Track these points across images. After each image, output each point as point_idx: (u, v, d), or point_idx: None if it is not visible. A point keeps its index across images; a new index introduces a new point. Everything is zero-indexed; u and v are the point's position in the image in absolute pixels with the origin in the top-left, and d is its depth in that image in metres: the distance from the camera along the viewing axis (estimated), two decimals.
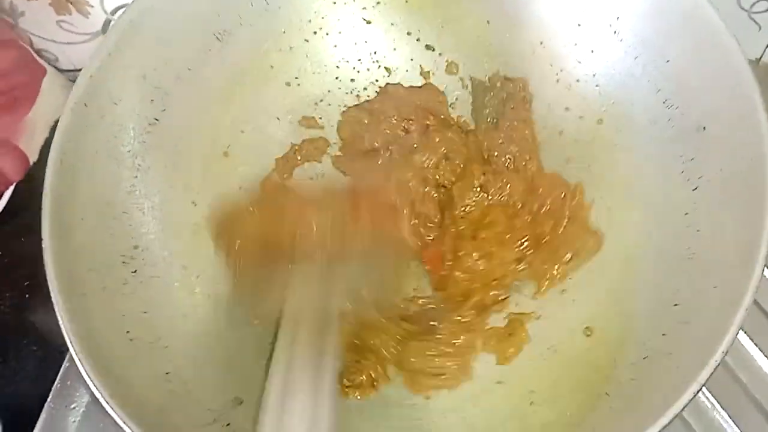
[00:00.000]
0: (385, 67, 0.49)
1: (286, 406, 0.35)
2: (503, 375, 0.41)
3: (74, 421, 0.46)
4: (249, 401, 0.40)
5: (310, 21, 0.48)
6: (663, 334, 0.35)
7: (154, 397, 0.36)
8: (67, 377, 0.48)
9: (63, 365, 0.48)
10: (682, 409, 0.30)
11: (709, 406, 0.43)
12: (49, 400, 0.47)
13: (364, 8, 0.48)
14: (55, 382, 0.48)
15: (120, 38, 0.41)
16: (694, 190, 0.38)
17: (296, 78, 0.48)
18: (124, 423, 0.33)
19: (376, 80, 0.49)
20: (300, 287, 0.41)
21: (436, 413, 0.40)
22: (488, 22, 0.46)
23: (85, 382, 0.39)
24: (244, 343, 0.42)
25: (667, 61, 0.40)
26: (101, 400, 0.33)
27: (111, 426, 0.39)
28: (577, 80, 0.45)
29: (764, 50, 0.55)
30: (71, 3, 0.56)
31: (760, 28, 0.53)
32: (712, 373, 0.31)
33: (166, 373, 0.38)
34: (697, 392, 0.31)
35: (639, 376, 0.35)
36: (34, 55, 0.59)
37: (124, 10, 0.42)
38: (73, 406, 0.47)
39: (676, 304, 0.36)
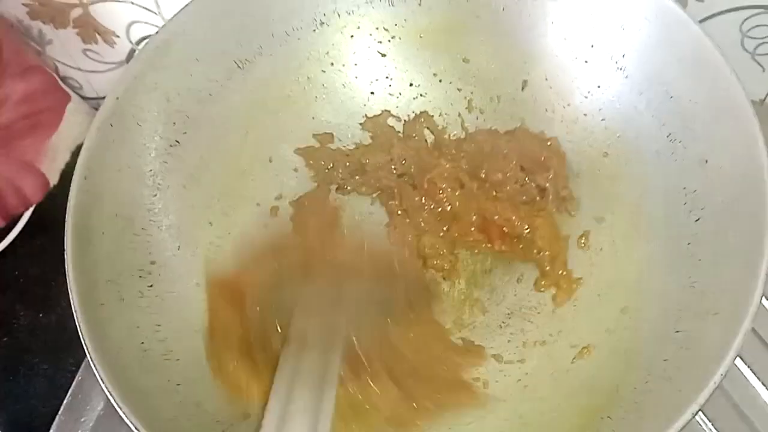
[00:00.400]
0: (397, 98, 0.51)
1: (285, 426, 0.36)
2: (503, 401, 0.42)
3: None
4: (255, 416, 0.40)
5: (327, 53, 0.49)
6: (665, 360, 0.36)
7: (164, 406, 0.37)
8: (79, 391, 0.49)
9: (75, 379, 0.49)
10: (681, 430, 0.31)
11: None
12: (60, 412, 0.48)
13: (380, 42, 0.50)
14: (67, 395, 0.48)
15: (146, 62, 0.43)
16: (696, 221, 0.39)
17: (313, 107, 0.50)
18: (135, 428, 0.34)
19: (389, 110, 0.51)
20: (309, 307, 0.42)
21: None
22: (496, 58, 0.48)
23: (98, 392, 0.41)
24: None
25: (671, 97, 0.42)
26: (114, 404, 0.34)
27: None
28: (585, 114, 0.46)
29: None
30: (98, 33, 0.58)
31: (763, 70, 0.55)
32: (709, 396, 0.32)
33: (177, 385, 0.39)
34: (695, 414, 0.31)
35: (641, 400, 0.36)
36: (60, 82, 0.61)
37: (152, 36, 0.44)
38: (83, 419, 0.48)
39: (678, 331, 0.37)
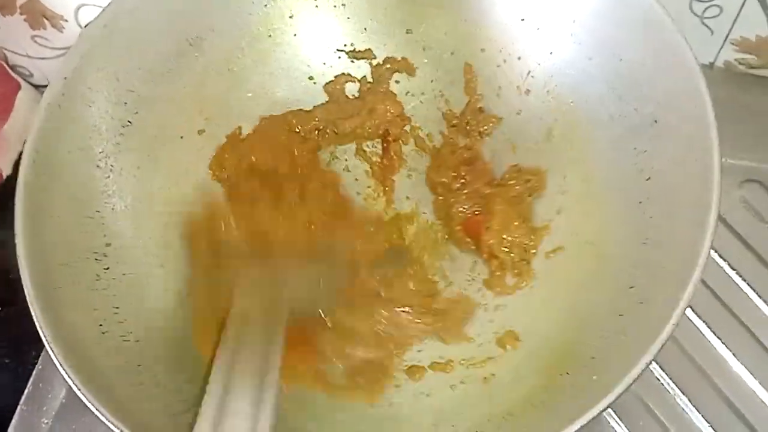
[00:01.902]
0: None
1: (226, 408, 0.35)
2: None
3: (46, 423, 0.47)
4: None
5: (277, 28, 0.49)
6: (620, 315, 0.37)
7: (126, 387, 0.37)
8: (40, 380, 0.48)
9: (36, 368, 0.49)
10: (635, 380, 0.32)
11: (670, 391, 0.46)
12: (21, 402, 0.47)
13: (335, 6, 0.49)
14: (28, 385, 0.48)
15: (93, 41, 0.43)
16: (647, 180, 0.40)
17: (267, 82, 0.49)
18: (97, 410, 0.33)
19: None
20: (250, 288, 0.42)
21: (407, 396, 0.41)
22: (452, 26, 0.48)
23: (60, 381, 0.40)
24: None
25: (621, 59, 0.42)
26: (74, 388, 0.34)
27: (83, 426, 0.40)
28: (536, 82, 0.46)
29: (717, 54, 0.57)
30: (46, 18, 0.57)
31: (712, 33, 0.55)
32: (661, 347, 0.32)
33: (138, 365, 0.39)
34: (648, 364, 0.32)
35: (597, 354, 0.36)
36: (9, 70, 0.60)
37: (99, 13, 0.43)
38: (44, 408, 0.47)
39: (631, 287, 0.38)
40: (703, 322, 0.47)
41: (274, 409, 0.35)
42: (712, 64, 0.58)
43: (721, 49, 0.56)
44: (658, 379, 0.46)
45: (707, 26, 0.55)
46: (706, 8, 0.53)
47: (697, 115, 0.37)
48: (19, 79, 0.61)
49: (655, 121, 0.40)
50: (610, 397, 0.31)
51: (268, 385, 0.36)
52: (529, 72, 0.47)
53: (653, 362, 0.33)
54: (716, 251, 0.49)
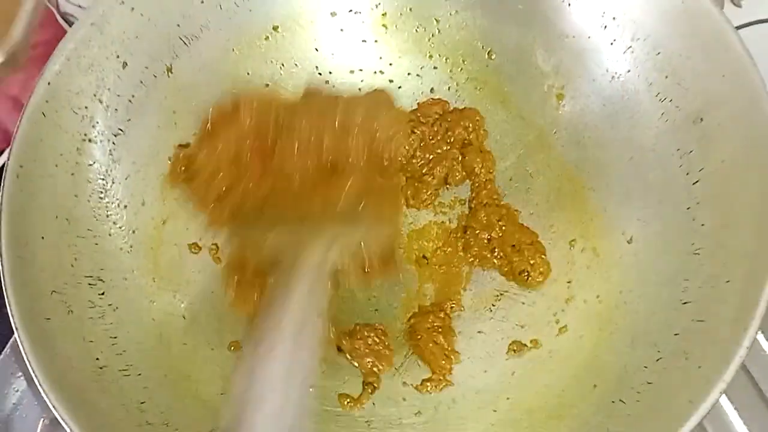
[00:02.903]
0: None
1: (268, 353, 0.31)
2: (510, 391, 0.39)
3: (17, 390, 0.43)
4: None
5: (278, 26, 0.45)
6: (675, 334, 0.34)
7: (129, 429, 0.33)
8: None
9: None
10: (710, 410, 0.28)
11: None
12: None
13: (334, 13, 0.46)
14: (5, 350, 0.44)
15: (80, 41, 0.38)
16: (694, 183, 0.37)
17: (269, 81, 0.45)
18: None
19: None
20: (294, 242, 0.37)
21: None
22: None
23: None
24: (221, 368, 0.39)
25: (659, 53, 0.39)
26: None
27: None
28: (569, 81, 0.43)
29: None
30: None
31: None
32: (735, 371, 0.29)
33: (141, 403, 0.35)
34: (723, 392, 0.29)
35: (655, 380, 0.33)
36: (58, 17, 0.55)
37: (86, 11, 0.39)
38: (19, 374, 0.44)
39: (685, 302, 0.34)
40: None
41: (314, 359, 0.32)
42: None
43: None
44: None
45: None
46: None
47: (752, 111, 0.34)
48: (67, 28, 0.56)
49: (701, 119, 0.37)
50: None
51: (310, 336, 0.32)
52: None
53: None
54: None
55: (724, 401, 0.40)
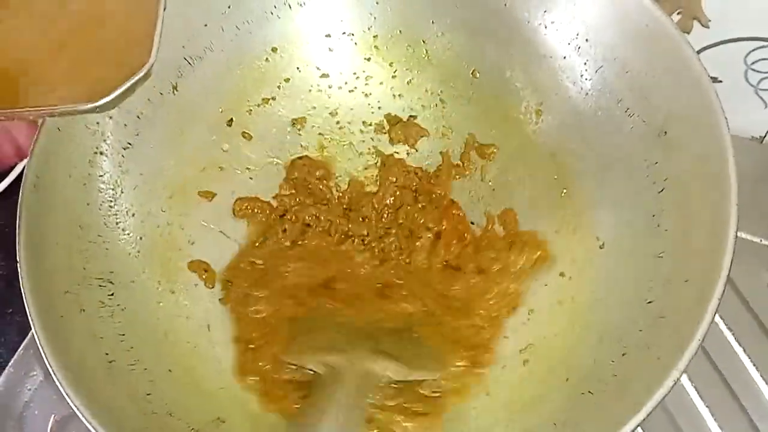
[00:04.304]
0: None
1: None
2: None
3: (30, 389, 0.47)
4: (231, 421, 0.39)
5: (278, 47, 0.48)
6: (640, 330, 0.36)
7: (136, 417, 0.36)
8: (31, 346, 0.48)
9: (29, 335, 0.49)
10: (664, 397, 0.31)
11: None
12: (10, 364, 0.48)
13: (328, 35, 0.49)
14: (18, 350, 0.48)
15: None
16: (660, 192, 0.40)
17: (271, 100, 0.49)
18: None
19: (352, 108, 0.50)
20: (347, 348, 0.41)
21: None
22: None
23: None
24: (225, 363, 0.42)
25: (627, 72, 0.42)
26: (83, 419, 0.33)
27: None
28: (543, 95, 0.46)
29: None
30: None
31: (766, 106, 0.52)
32: (689, 362, 0.32)
33: (147, 395, 0.37)
34: (677, 381, 0.31)
35: (620, 372, 0.36)
36: None
37: None
38: (32, 374, 0.47)
39: (649, 301, 0.37)
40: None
41: None
42: (762, 138, 0.53)
43: None
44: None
45: (761, 98, 0.52)
46: (762, 79, 0.51)
47: (709, 124, 0.37)
48: None
49: (665, 133, 0.40)
50: (639, 416, 0.31)
51: None
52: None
53: None
54: (738, 342, 0.48)
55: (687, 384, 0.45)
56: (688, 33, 0.39)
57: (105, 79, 0.30)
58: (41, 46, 0.32)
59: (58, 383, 0.34)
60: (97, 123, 0.42)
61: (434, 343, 0.42)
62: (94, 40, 0.33)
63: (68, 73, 0.32)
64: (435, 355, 0.42)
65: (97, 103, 0.30)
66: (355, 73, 0.50)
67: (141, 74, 0.30)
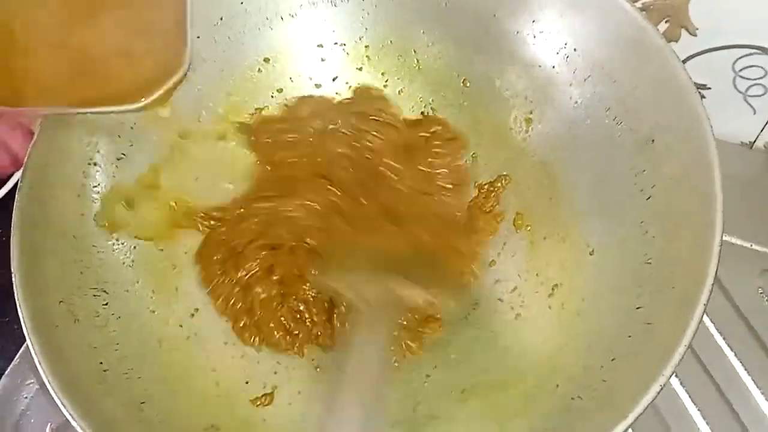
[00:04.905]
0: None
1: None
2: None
3: (26, 398, 0.48)
4: (225, 429, 0.40)
5: (270, 57, 0.49)
6: (629, 336, 0.37)
7: (131, 426, 0.36)
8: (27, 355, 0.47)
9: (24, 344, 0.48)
10: (652, 401, 0.32)
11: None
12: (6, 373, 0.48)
13: (320, 45, 0.50)
14: (15, 359, 0.48)
15: None
16: (647, 199, 0.40)
17: (264, 110, 0.49)
18: None
19: None
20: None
21: None
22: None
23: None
24: (215, 372, 0.42)
25: (614, 81, 0.42)
26: (78, 429, 0.33)
27: None
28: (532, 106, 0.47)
29: (758, 135, 0.54)
30: None
31: (755, 112, 0.53)
32: (675, 368, 0.32)
33: (142, 403, 0.38)
34: (664, 386, 0.32)
35: (609, 378, 0.36)
36: None
37: None
38: (29, 382, 0.48)
39: (638, 308, 0.38)
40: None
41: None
42: (752, 144, 0.54)
43: (762, 129, 0.53)
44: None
45: (750, 104, 0.53)
46: (750, 86, 0.52)
47: (694, 133, 0.38)
48: None
49: (652, 141, 0.41)
50: (628, 420, 0.31)
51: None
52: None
53: None
54: (729, 346, 0.49)
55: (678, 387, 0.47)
56: (676, 41, 0.40)
57: (148, 80, 0.31)
58: (92, 48, 0.33)
59: (52, 392, 0.34)
60: (91, 134, 0.42)
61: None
62: (135, 41, 0.34)
63: (110, 74, 0.33)
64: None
65: (139, 104, 0.31)
66: (347, 83, 0.50)
67: (180, 74, 0.31)
